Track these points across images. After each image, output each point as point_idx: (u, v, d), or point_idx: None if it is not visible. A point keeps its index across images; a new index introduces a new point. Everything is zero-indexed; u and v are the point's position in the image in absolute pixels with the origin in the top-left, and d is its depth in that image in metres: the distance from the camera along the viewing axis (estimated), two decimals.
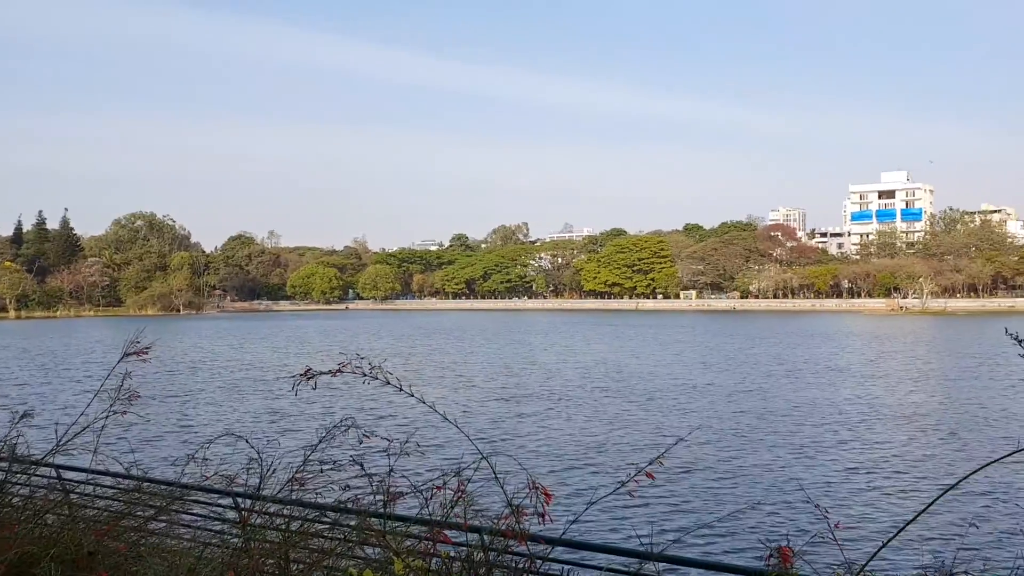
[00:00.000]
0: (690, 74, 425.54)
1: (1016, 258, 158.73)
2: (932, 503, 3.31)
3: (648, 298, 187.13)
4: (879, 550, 3.00)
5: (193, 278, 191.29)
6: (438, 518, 3.73)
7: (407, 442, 4.19)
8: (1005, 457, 3.10)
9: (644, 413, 31.56)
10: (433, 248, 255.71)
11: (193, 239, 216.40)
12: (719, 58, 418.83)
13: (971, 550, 14.24)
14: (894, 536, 3.10)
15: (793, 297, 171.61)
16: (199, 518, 5.30)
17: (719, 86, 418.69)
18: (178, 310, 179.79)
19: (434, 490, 3.86)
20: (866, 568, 2.90)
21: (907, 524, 3.14)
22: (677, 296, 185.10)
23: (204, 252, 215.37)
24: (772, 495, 18.73)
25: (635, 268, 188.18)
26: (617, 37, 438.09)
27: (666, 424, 29.03)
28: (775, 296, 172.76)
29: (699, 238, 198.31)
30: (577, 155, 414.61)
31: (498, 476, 3.73)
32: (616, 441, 25.64)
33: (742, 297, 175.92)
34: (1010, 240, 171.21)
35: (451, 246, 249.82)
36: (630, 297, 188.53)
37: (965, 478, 3.21)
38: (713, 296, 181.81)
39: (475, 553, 3.65)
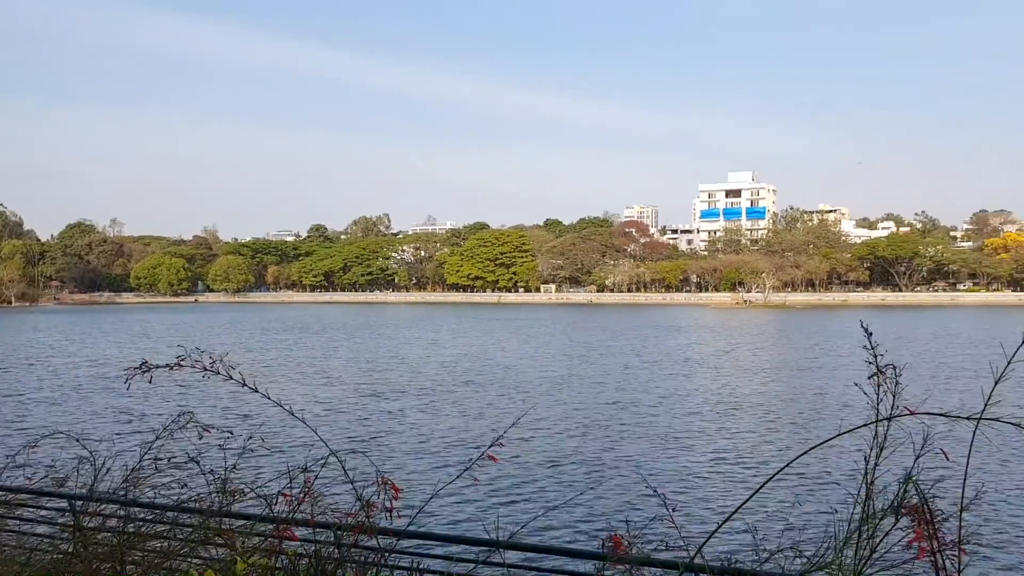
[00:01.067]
0: (553, 72, 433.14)
1: (849, 255, 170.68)
2: (762, 486, 3.46)
3: (510, 291, 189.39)
4: (715, 532, 3.13)
5: (27, 268, 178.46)
6: (284, 515, 3.63)
7: (251, 438, 4.04)
8: (829, 440, 3.24)
9: (510, 405, 31.87)
10: (290, 239, 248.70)
11: (27, 226, 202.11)
12: (581, 57, 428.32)
13: (798, 529, 15.17)
14: (728, 518, 3.23)
15: (646, 291, 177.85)
16: (26, 523, 4.93)
17: (579, 85, 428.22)
18: (9, 302, 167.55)
19: (281, 488, 3.76)
20: (702, 549, 2.95)
21: (740, 506, 3.29)
22: (538, 289, 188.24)
23: (39, 240, 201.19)
24: (622, 482, 19.36)
25: (497, 262, 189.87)
26: (481, 31, 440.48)
27: (531, 415, 29.42)
28: (629, 290, 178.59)
29: (559, 233, 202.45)
30: (440, 148, 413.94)
31: (348, 472, 3.68)
32: (481, 433, 25.78)
33: (599, 291, 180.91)
34: (844, 238, 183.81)
35: (309, 237, 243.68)
36: (493, 290, 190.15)
37: (792, 461, 3.41)
38: (572, 290, 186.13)
39: (323, 549, 3.58)
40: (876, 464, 2.83)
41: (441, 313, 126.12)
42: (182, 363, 3.66)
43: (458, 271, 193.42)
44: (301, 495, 3.63)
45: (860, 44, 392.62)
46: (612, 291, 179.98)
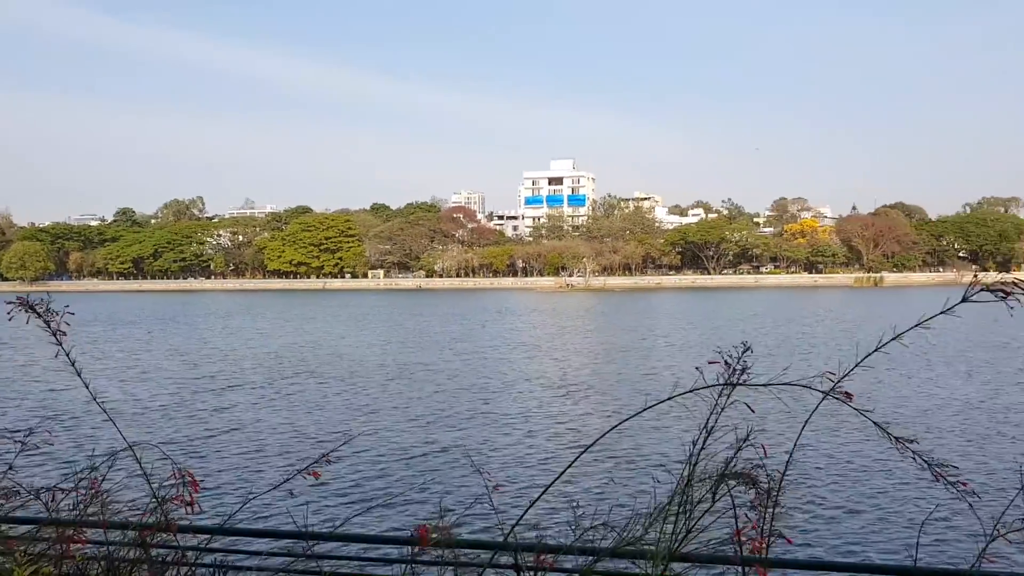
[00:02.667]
0: (379, 56, 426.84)
1: (662, 240, 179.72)
2: (570, 464, 3.52)
3: (336, 277, 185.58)
4: (526, 511, 3.15)
5: None
6: (71, 517, 3.32)
7: (30, 433, 3.68)
8: (636, 415, 3.28)
9: (345, 396, 31.16)
10: (94, 223, 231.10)
11: None
12: (409, 44, 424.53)
13: (615, 505, 15.85)
14: (539, 497, 3.28)
15: (474, 276, 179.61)
16: None
17: (405, 70, 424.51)
18: None
19: (70, 486, 3.43)
20: (516, 528, 2.95)
21: (550, 485, 3.34)
22: (365, 275, 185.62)
23: None
24: (454, 466, 19.45)
25: (322, 247, 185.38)
26: (306, 10, 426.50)
27: (362, 406, 28.97)
28: (458, 275, 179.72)
29: (386, 218, 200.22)
30: (259, 128, 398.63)
31: (144, 467, 3.42)
32: (316, 428, 25.10)
33: (427, 276, 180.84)
34: (658, 225, 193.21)
35: (116, 221, 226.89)
36: (317, 277, 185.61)
37: (600, 438, 3.42)
38: (400, 275, 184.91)
39: (117, 551, 3.31)
40: (704, 443, 2.92)
41: (263, 301, 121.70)
42: None
43: (279, 257, 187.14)
44: (90, 493, 3.33)
45: (671, 37, 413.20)
46: (441, 276, 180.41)
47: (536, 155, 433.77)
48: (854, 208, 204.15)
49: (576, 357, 43.45)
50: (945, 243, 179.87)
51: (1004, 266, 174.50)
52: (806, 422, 3.14)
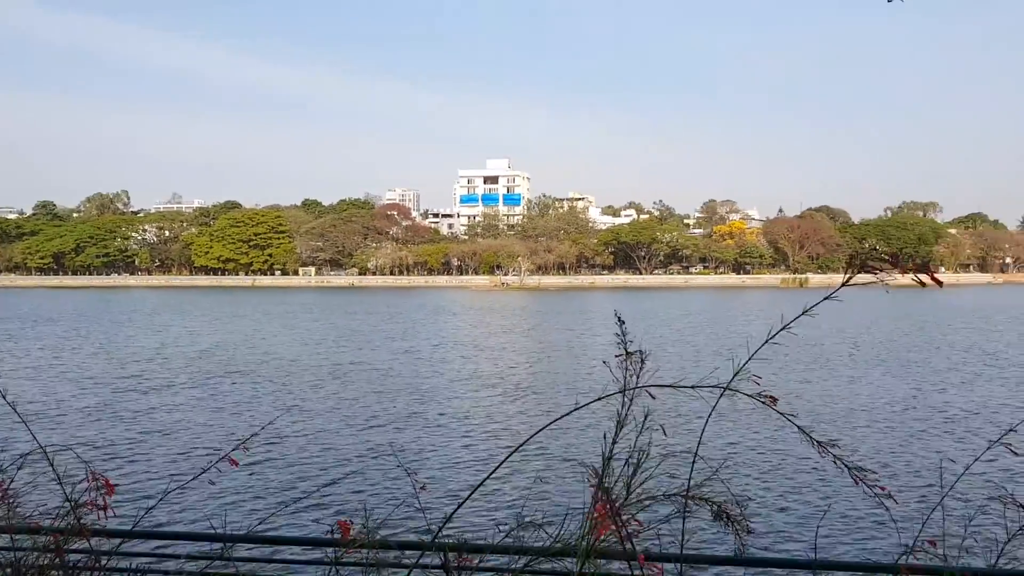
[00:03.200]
0: (311, 49, 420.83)
1: (595, 240, 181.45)
2: (499, 466, 3.48)
3: (265, 274, 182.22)
4: (454, 511, 3.12)
5: None
6: None
7: None
8: (565, 416, 3.29)
9: (270, 396, 30.61)
10: (12, 216, 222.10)
11: None
12: (342, 37, 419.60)
13: (540, 500, 15.93)
14: (467, 498, 3.25)
15: (409, 274, 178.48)
16: None
17: (340, 64, 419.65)
18: None
19: None
20: (444, 528, 2.92)
21: (478, 485, 3.30)
22: (296, 272, 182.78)
23: None
24: (385, 468, 19.26)
25: (251, 243, 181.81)
26: (240, 2, 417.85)
27: (293, 406, 28.49)
28: (392, 273, 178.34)
29: (318, 214, 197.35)
30: (186, 122, 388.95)
31: (56, 470, 3.28)
32: (237, 427, 24.61)
33: (361, 274, 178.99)
34: (591, 225, 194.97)
35: (35, 214, 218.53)
36: (246, 273, 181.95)
37: (529, 439, 3.42)
38: (332, 272, 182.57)
39: (26, 557, 3.16)
40: (615, 439, 2.92)
41: (191, 298, 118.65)
42: None
43: (207, 253, 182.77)
44: None
45: (607, 41, 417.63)
46: (375, 274, 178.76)
47: (472, 154, 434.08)
48: (780, 211, 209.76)
49: (512, 356, 43.54)
50: (867, 246, 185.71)
51: (923, 268, 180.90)
52: (707, 418, 3.14)
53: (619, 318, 3.14)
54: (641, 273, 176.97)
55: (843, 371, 35.15)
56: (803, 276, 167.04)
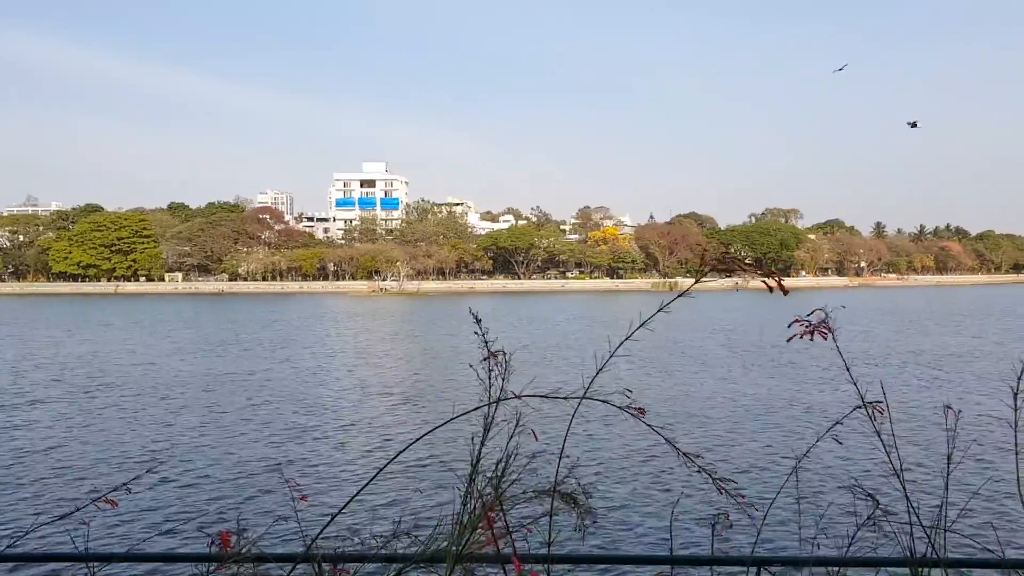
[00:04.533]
0: (177, 47, 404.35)
1: (475, 246, 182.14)
2: (374, 477, 3.50)
3: (129, 280, 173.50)
4: (329, 522, 3.08)
5: None
6: None
7: None
8: (442, 425, 3.30)
9: (142, 410, 29.01)
10: None
11: None
12: (211, 36, 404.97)
13: (417, 509, 15.79)
14: (342, 508, 3.21)
15: (282, 279, 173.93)
16: None
17: (207, 64, 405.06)
18: None
19: None
20: (319, 539, 2.88)
21: (356, 494, 3.27)
22: (162, 278, 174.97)
23: None
24: (255, 479, 18.64)
25: (114, 248, 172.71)
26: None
27: (165, 419, 27.13)
28: (264, 278, 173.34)
29: (185, 218, 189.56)
30: (41, 122, 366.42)
31: None
32: (105, 444, 23.21)
33: (231, 279, 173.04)
34: (470, 230, 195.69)
35: None
36: (108, 280, 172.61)
37: (405, 449, 3.47)
38: (201, 278, 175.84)
39: None
40: (482, 446, 2.93)
41: (50, 306, 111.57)
42: None
43: (66, 258, 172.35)
44: None
45: (487, 47, 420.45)
46: (246, 280, 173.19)
47: (348, 157, 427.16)
48: (651, 217, 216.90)
49: (394, 363, 43.09)
50: (733, 251, 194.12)
51: (785, 272, 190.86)
52: (569, 426, 3.21)
53: (476, 317, 3.16)
54: (520, 278, 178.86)
55: (717, 371, 36.58)
56: (673, 280, 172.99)
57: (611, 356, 3.02)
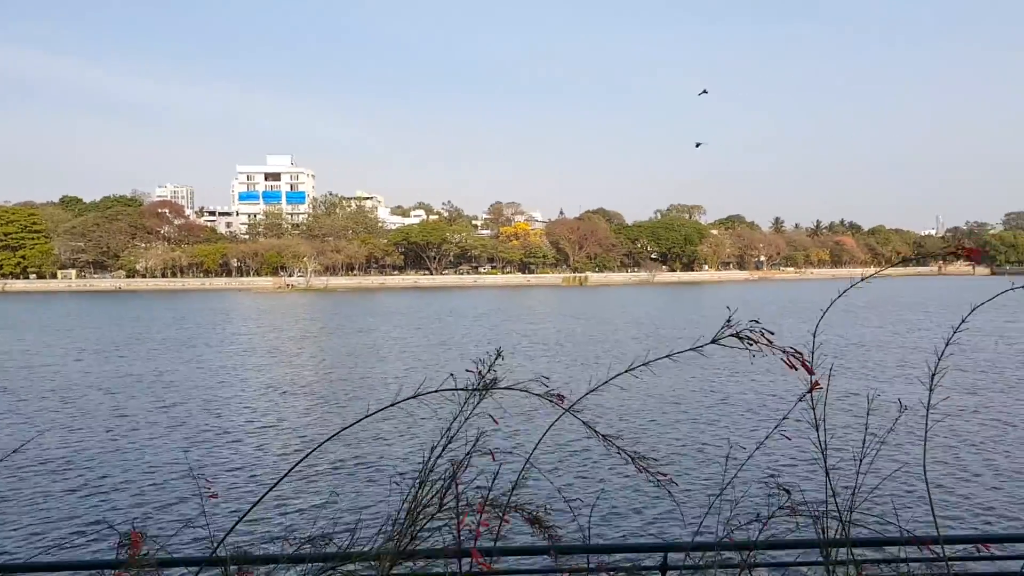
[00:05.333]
0: (69, 34, 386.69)
1: (385, 241, 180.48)
2: (282, 478, 3.37)
3: (18, 278, 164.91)
4: (235, 524, 2.86)
5: None
6: None
7: None
8: (355, 423, 3.27)
9: (38, 414, 27.31)
10: None
11: None
12: (107, 23, 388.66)
13: (334, 509, 15.41)
14: (249, 510, 3.06)
15: (183, 276, 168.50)
16: None
17: (99, 51, 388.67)
18: None
19: None
20: (226, 540, 2.75)
21: (265, 494, 3.17)
22: (54, 276, 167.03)
23: None
24: (164, 482, 17.77)
25: (1, 244, 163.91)
26: None
27: (66, 424, 25.61)
28: (164, 275, 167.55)
29: (79, 212, 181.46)
30: None
31: None
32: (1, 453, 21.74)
33: (129, 276, 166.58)
34: (381, 224, 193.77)
35: None
36: None
37: (316, 448, 3.42)
38: (96, 275, 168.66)
39: None
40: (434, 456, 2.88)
41: None
42: None
43: None
44: None
45: (394, 43, 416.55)
46: (145, 277, 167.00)
47: (252, 150, 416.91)
48: (561, 212, 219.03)
49: (304, 361, 42.09)
50: (640, 246, 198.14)
51: (688, 266, 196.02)
52: (550, 428, 3.23)
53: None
54: (432, 273, 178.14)
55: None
56: (583, 275, 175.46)
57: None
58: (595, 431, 2.87)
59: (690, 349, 2.99)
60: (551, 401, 2.86)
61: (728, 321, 2.78)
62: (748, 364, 36.29)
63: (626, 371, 3.09)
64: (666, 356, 3.07)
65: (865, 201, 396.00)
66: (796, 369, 2.83)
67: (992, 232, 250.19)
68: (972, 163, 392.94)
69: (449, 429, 2.83)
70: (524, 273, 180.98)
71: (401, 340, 52.32)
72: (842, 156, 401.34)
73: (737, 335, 2.79)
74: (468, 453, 2.79)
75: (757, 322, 2.82)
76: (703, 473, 18.45)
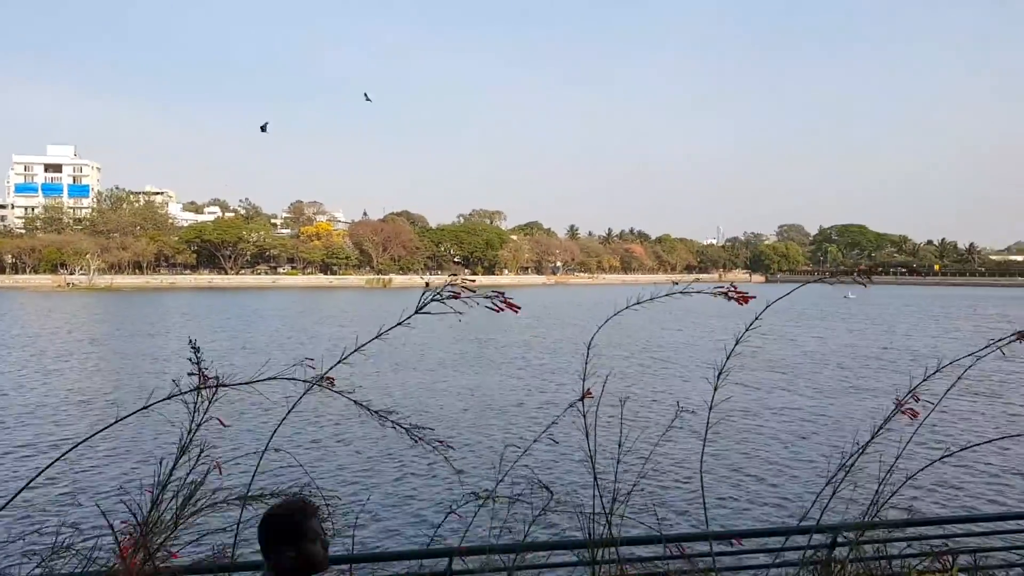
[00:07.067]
0: None
1: (177, 238, 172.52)
2: (32, 480, 3.52)
3: None
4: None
5: None
6: None
7: None
8: (101, 431, 3.61)
9: None
10: None
11: None
12: None
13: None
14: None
15: None
16: None
17: None
18: None
19: None
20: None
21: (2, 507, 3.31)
22: None
23: None
24: None
25: None
26: None
27: None
28: None
29: None
30: None
31: None
32: None
33: None
34: (172, 221, 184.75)
35: None
36: None
37: (55, 461, 3.53)
38: None
39: None
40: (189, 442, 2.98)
41: None
42: None
43: None
44: None
45: (189, 32, 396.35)
46: None
47: (31, 139, 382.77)
48: (365, 214, 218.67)
49: (68, 365, 41.35)
50: (443, 249, 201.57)
51: (490, 270, 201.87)
52: (293, 408, 3.31)
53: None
54: (227, 273, 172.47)
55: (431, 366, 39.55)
56: (387, 277, 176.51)
57: (344, 357, 3.06)
58: (368, 408, 2.86)
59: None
60: (321, 387, 2.83)
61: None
62: (538, 364, 39.26)
63: (384, 333, 3.11)
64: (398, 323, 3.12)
65: (653, 211, 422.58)
66: (502, 311, 2.98)
67: (766, 243, 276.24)
68: (751, 179, 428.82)
69: (182, 439, 2.89)
70: (326, 274, 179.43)
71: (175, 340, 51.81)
72: (631, 167, 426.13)
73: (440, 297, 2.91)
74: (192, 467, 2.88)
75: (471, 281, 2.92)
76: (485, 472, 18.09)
